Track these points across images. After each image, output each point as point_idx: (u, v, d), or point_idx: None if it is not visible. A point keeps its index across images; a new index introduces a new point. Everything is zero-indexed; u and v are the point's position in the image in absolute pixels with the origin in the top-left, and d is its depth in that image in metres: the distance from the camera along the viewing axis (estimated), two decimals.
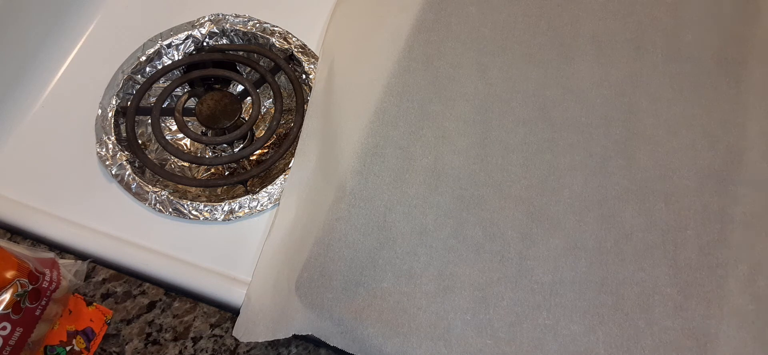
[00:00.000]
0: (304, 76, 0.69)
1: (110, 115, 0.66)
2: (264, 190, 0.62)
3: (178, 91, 0.69)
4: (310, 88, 0.67)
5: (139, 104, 0.67)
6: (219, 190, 0.65)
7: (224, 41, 0.72)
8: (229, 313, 0.56)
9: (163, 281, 0.58)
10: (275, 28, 0.71)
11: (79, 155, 0.65)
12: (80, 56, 0.72)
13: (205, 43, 0.72)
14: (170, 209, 0.61)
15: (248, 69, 0.71)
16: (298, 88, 0.68)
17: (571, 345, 0.52)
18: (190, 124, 0.67)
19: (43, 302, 0.51)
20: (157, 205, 0.61)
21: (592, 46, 0.66)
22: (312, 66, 0.69)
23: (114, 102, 0.67)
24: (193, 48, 0.71)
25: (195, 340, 0.55)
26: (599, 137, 0.61)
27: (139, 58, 0.69)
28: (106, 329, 0.55)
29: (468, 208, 0.57)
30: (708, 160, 0.59)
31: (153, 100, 0.68)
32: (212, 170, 0.67)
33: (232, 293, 0.57)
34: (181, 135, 0.68)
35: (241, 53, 0.71)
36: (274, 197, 0.62)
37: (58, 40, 0.71)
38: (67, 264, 0.55)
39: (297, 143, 0.63)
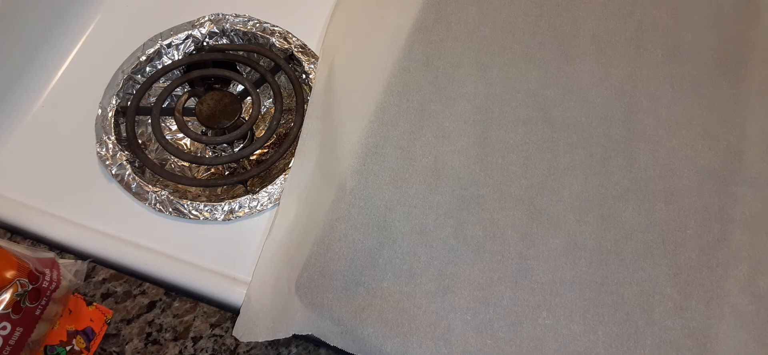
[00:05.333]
0: (304, 76, 0.69)
1: (110, 115, 0.66)
2: (264, 190, 0.62)
3: (178, 91, 0.69)
4: (310, 88, 0.67)
5: (139, 104, 0.67)
6: (219, 190, 0.65)
7: (224, 41, 0.72)
8: (229, 313, 0.56)
9: (163, 280, 0.58)
10: (275, 28, 0.71)
11: (79, 155, 0.65)
12: (80, 56, 0.72)
13: (205, 43, 0.72)
14: (170, 209, 0.61)
15: (248, 69, 0.71)
16: (298, 88, 0.68)
17: (571, 345, 0.52)
18: (190, 124, 0.67)
19: (43, 302, 0.51)
20: (157, 205, 0.61)
21: (592, 46, 0.66)
22: (312, 66, 0.69)
23: (114, 102, 0.67)
24: (193, 48, 0.71)
25: (195, 340, 0.55)
26: (599, 137, 0.61)
27: (139, 58, 0.69)
28: (106, 328, 0.55)
29: (468, 208, 0.57)
30: (708, 160, 0.59)
31: (153, 100, 0.68)
32: (212, 170, 0.67)
33: (232, 293, 0.57)
34: (181, 135, 0.68)
35: (241, 53, 0.71)
36: (274, 196, 0.62)
37: (58, 40, 0.71)
38: (67, 264, 0.55)
39: (297, 143, 0.63)
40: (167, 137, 0.66)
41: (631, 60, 0.65)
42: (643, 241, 0.56)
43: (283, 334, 0.52)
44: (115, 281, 0.58)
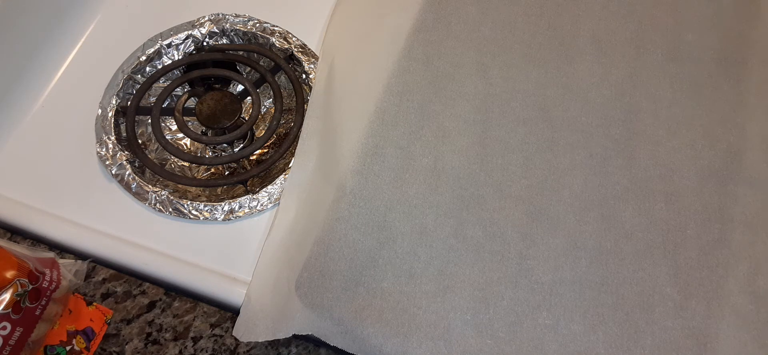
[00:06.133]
0: (304, 76, 0.69)
1: (110, 115, 0.66)
2: (264, 190, 0.62)
3: (178, 90, 0.69)
4: (310, 88, 0.67)
5: (139, 104, 0.67)
6: (219, 190, 0.65)
7: (224, 41, 0.72)
8: (229, 313, 0.56)
9: (163, 280, 0.58)
10: (275, 28, 0.71)
11: (79, 155, 0.65)
12: (80, 56, 0.72)
13: (205, 43, 0.72)
14: (170, 209, 0.61)
15: (248, 69, 0.71)
16: (298, 88, 0.68)
17: (571, 345, 0.52)
18: (190, 123, 0.67)
19: (43, 302, 0.51)
20: (157, 205, 0.61)
21: (592, 46, 0.66)
22: (312, 66, 0.69)
23: (114, 102, 0.67)
24: (193, 48, 0.71)
25: (195, 340, 0.55)
26: (599, 137, 0.61)
27: (139, 58, 0.69)
28: (106, 328, 0.55)
29: (468, 207, 0.57)
30: (708, 160, 0.59)
31: (153, 100, 0.68)
32: (212, 170, 0.67)
33: (232, 293, 0.57)
34: (181, 135, 0.68)
35: (241, 53, 0.71)
36: (274, 196, 0.62)
37: (58, 40, 0.71)
38: (67, 264, 0.55)
39: (297, 143, 0.63)
40: (167, 137, 0.66)
41: (631, 60, 0.65)
42: (643, 241, 0.56)
43: (283, 334, 0.52)
44: (115, 281, 0.58)
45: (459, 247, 0.56)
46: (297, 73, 0.70)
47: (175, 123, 0.67)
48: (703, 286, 0.54)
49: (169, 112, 0.67)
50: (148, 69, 0.70)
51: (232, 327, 0.55)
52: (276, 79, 0.69)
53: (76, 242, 0.59)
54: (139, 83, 0.69)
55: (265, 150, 0.68)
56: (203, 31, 0.71)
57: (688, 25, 0.67)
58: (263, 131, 0.68)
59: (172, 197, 0.61)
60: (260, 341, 0.54)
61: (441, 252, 0.55)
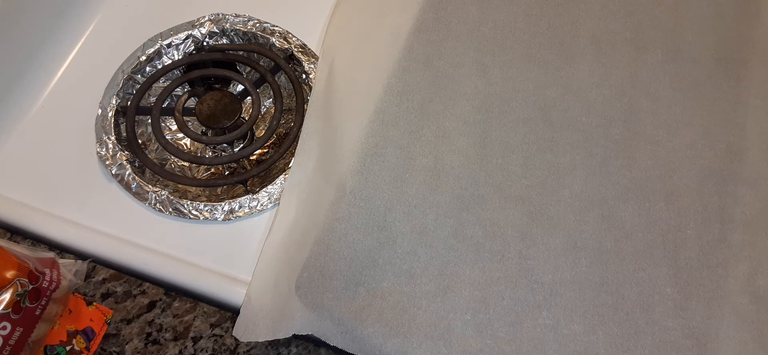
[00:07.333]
0: (304, 76, 0.69)
1: (110, 115, 0.66)
2: (264, 190, 0.62)
3: (178, 90, 0.69)
4: (310, 88, 0.67)
5: (139, 104, 0.67)
6: (219, 190, 0.65)
7: (224, 41, 0.72)
8: (229, 313, 0.56)
9: (163, 280, 0.58)
10: (275, 28, 0.71)
11: (79, 155, 0.65)
12: (80, 56, 0.72)
13: (205, 43, 0.72)
14: (170, 209, 0.61)
15: (248, 69, 0.71)
16: (298, 88, 0.68)
17: (571, 345, 0.52)
18: (190, 123, 0.67)
19: (43, 302, 0.51)
20: (157, 205, 0.61)
21: (592, 46, 0.66)
22: (312, 66, 0.69)
23: (114, 102, 0.67)
24: (193, 48, 0.71)
25: (195, 340, 0.55)
26: (599, 137, 0.61)
27: (139, 57, 0.69)
28: (106, 328, 0.55)
29: (468, 207, 0.57)
30: (708, 160, 0.59)
31: (153, 99, 0.68)
32: (212, 170, 0.67)
33: (232, 293, 0.57)
34: (181, 135, 0.68)
35: (241, 53, 0.71)
36: (274, 196, 0.62)
37: (58, 40, 0.71)
38: (67, 264, 0.55)
39: (297, 143, 0.63)
40: (167, 137, 0.66)
41: (631, 60, 0.65)
42: (643, 241, 0.56)
43: (283, 334, 0.52)
44: (115, 281, 0.58)
45: (459, 247, 0.56)
46: (297, 73, 0.70)
47: (175, 123, 0.67)
48: (703, 286, 0.54)
49: (169, 112, 0.67)
50: (148, 69, 0.70)
51: (232, 327, 0.55)
52: (276, 79, 0.69)
53: (76, 242, 0.59)
54: (139, 83, 0.69)
55: (265, 150, 0.68)
56: (203, 31, 0.71)
57: (688, 25, 0.67)
58: (263, 131, 0.68)
59: (172, 197, 0.61)
60: (260, 341, 0.54)
61: (441, 252, 0.55)
